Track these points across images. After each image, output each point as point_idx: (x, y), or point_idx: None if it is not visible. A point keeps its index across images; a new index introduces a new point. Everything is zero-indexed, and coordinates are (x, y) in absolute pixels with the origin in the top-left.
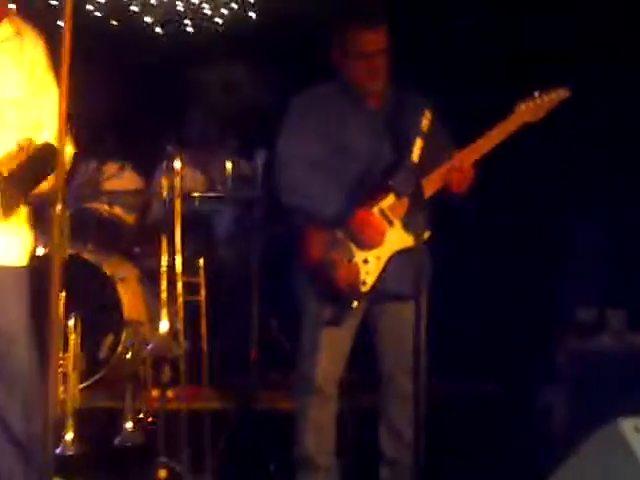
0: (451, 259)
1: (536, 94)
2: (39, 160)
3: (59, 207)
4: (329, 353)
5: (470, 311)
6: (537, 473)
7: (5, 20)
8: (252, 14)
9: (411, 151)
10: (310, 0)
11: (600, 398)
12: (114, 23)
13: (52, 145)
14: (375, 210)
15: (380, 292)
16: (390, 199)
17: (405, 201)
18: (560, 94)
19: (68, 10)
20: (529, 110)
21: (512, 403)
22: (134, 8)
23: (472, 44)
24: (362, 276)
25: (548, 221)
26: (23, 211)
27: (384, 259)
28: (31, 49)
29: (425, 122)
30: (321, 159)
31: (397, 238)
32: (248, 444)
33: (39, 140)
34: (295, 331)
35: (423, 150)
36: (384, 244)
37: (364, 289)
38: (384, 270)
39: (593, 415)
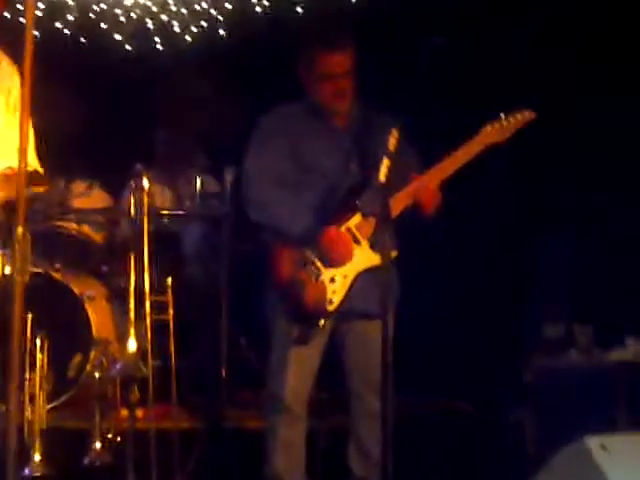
0: (419, 277)
1: (502, 115)
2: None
3: (20, 229)
4: (297, 371)
5: (438, 328)
6: None
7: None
8: (222, 32)
9: (378, 170)
10: (279, 19)
11: (568, 415)
12: (83, 40)
13: (36, 171)
14: (343, 229)
15: (347, 310)
16: (357, 218)
17: (372, 220)
18: (525, 116)
19: (29, 28)
20: (495, 131)
21: (481, 420)
22: (103, 25)
23: (440, 63)
24: (329, 295)
25: (515, 238)
26: None
27: (350, 278)
28: (7, 77)
29: (392, 141)
30: (288, 177)
31: (364, 257)
32: (218, 463)
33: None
34: (264, 349)
35: (390, 169)
36: (351, 262)
37: (331, 308)
38: (350, 289)
39: (561, 432)
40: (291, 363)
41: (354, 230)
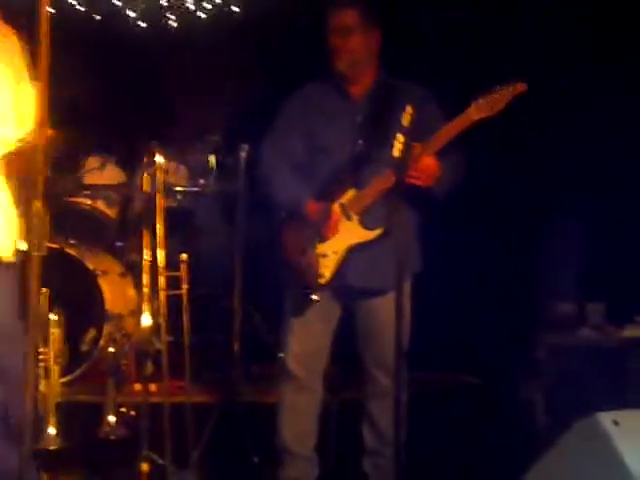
0: (431, 253)
1: (494, 88)
2: None
3: (37, 204)
4: (301, 341)
5: (450, 305)
6: (517, 466)
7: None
8: (235, 8)
9: (383, 145)
10: None
11: (579, 391)
12: (97, 17)
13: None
14: (336, 204)
15: (346, 287)
16: (351, 193)
17: (366, 195)
18: (517, 88)
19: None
20: (486, 104)
21: (492, 396)
22: (117, 2)
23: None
24: (321, 269)
25: (527, 215)
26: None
27: (340, 253)
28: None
29: (406, 117)
30: (302, 159)
31: (354, 233)
32: (231, 437)
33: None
34: (278, 324)
35: (405, 145)
36: (340, 237)
37: (322, 281)
38: (341, 264)
39: (572, 408)
40: (294, 332)
41: (347, 205)
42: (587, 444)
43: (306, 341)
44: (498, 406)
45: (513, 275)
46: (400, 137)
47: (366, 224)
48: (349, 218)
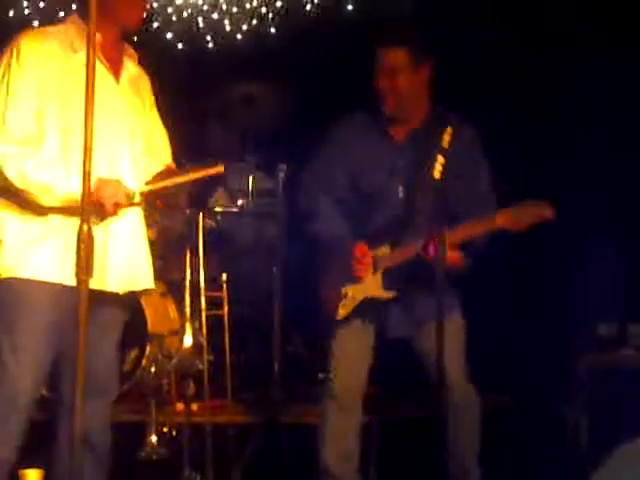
0: (470, 273)
1: (526, 202)
2: None
3: (85, 227)
4: (343, 363)
5: (490, 325)
6: None
7: (129, 57)
8: (272, 29)
9: (422, 196)
10: (329, 16)
11: (622, 414)
12: (135, 39)
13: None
14: (369, 255)
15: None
16: (384, 250)
17: (395, 257)
18: (544, 214)
19: (92, 29)
20: (512, 217)
21: (533, 418)
22: (155, 24)
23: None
24: (340, 307)
25: (569, 234)
26: None
27: (357, 300)
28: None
29: (445, 138)
30: (341, 193)
31: (373, 286)
32: (272, 458)
33: None
34: (317, 344)
35: (445, 166)
36: (361, 286)
37: (338, 317)
38: (353, 310)
39: (615, 431)
40: (333, 353)
41: (377, 259)
42: (631, 469)
43: (345, 362)
44: (539, 428)
45: (554, 295)
46: (440, 158)
47: (385, 283)
48: (375, 271)
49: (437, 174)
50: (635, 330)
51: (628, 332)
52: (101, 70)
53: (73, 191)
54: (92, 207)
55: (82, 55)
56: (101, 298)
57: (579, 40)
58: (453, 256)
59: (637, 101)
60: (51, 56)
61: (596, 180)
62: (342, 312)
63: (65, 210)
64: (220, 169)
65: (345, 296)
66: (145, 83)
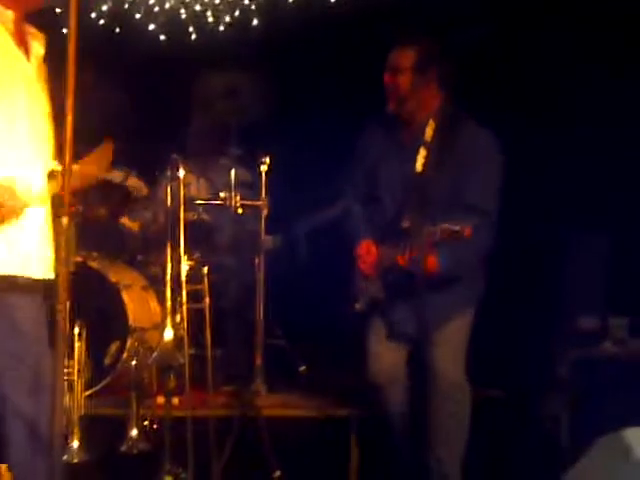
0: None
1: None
2: None
3: (65, 220)
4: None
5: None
6: None
7: (37, 39)
8: (255, 21)
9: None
10: (312, 6)
11: (603, 407)
12: (117, 30)
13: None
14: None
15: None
16: (386, 249)
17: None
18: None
19: (73, 20)
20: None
21: (515, 411)
22: (138, 16)
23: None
24: (359, 300)
25: (549, 229)
26: None
27: (367, 298)
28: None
29: (428, 131)
30: (364, 192)
31: (374, 286)
32: (253, 450)
33: None
34: (298, 336)
35: (428, 159)
36: (368, 283)
37: (356, 309)
38: (367, 305)
39: (596, 424)
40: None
41: (380, 258)
42: (612, 460)
43: (373, 355)
44: (521, 421)
45: (536, 289)
46: (422, 151)
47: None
48: (378, 271)
49: (419, 167)
50: (616, 323)
51: (609, 325)
52: (13, 47)
53: None
54: None
55: None
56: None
57: (571, 34)
58: (428, 262)
59: (627, 93)
60: None
61: (579, 173)
62: (358, 307)
63: None
64: (109, 144)
65: (361, 292)
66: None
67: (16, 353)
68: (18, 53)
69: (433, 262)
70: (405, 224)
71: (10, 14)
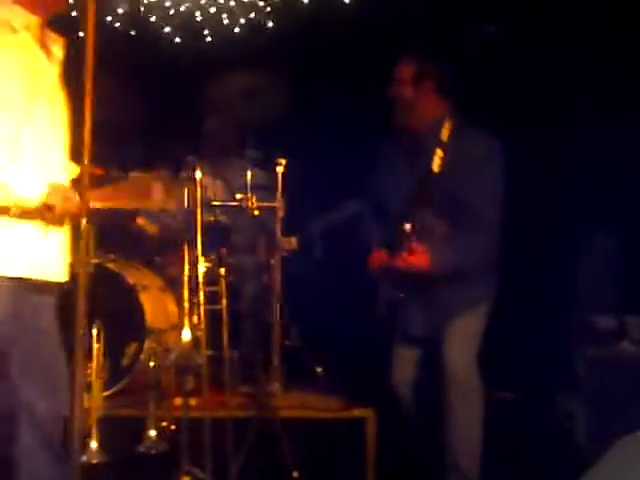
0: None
1: None
2: None
3: (84, 223)
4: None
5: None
6: None
7: (57, 43)
8: (270, 23)
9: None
10: (327, 7)
11: (620, 406)
12: (133, 33)
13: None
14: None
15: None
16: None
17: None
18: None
19: (90, 24)
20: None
21: (532, 412)
22: (153, 18)
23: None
24: None
25: (567, 229)
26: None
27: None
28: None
29: (444, 132)
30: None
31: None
32: (271, 451)
33: None
34: (315, 338)
35: (444, 160)
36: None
37: None
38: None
39: (613, 423)
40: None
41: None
42: (632, 461)
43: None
44: (538, 421)
45: (553, 289)
46: (439, 151)
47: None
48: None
49: (436, 167)
50: (633, 322)
51: (626, 325)
52: (38, 52)
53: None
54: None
55: (23, 36)
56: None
57: (576, 34)
58: (415, 260)
59: (631, 91)
60: None
61: (595, 172)
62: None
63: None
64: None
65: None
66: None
67: (35, 346)
68: (42, 57)
69: (423, 260)
70: (407, 225)
71: (35, 19)
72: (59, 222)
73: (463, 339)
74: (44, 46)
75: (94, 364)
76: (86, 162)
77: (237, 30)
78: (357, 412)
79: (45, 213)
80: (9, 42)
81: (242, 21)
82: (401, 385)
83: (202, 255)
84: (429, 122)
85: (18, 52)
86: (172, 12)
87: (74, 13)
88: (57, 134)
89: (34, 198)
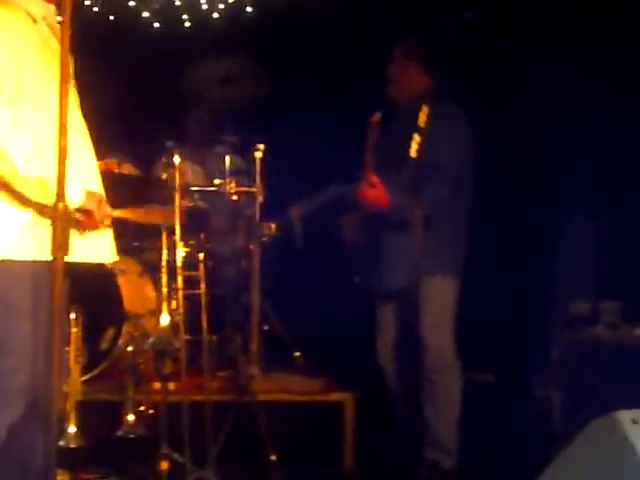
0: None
1: None
2: None
3: (60, 206)
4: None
5: (464, 303)
6: (533, 464)
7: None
8: (249, 8)
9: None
10: None
11: (595, 390)
12: (111, 17)
13: None
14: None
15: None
16: None
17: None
18: None
19: (68, 8)
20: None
21: (507, 395)
22: (132, 3)
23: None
24: None
25: (542, 214)
26: None
27: None
28: None
29: (422, 117)
30: None
31: None
32: (249, 435)
33: None
34: (294, 323)
35: (422, 145)
36: None
37: None
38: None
39: (588, 407)
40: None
41: None
42: (605, 443)
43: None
44: (513, 405)
45: (528, 273)
46: (417, 137)
47: None
48: None
49: (414, 153)
50: (608, 307)
51: (600, 309)
52: (55, 43)
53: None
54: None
55: (41, 27)
56: None
57: (557, 21)
58: (374, 194)
59: (620, 79)
60: (22, 25)
61: (570, 161)
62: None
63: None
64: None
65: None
66: None
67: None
68: (57, 47)
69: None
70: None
71: (53, 8)
72: (93, 228)
73: (439, 305)
74: (55, 34)
75: (72, 348)
76: (62, 147)
77: (216, 15)
78: (335, 396)
79: (79, 218)
80: (32, 34)
81: (221, 6)
82: (383, 351)
83: (181, 240)
84: (411, 94)
85: (40, 44)
86: None
87: None
88: (82, 131)
89: (72, 203)
